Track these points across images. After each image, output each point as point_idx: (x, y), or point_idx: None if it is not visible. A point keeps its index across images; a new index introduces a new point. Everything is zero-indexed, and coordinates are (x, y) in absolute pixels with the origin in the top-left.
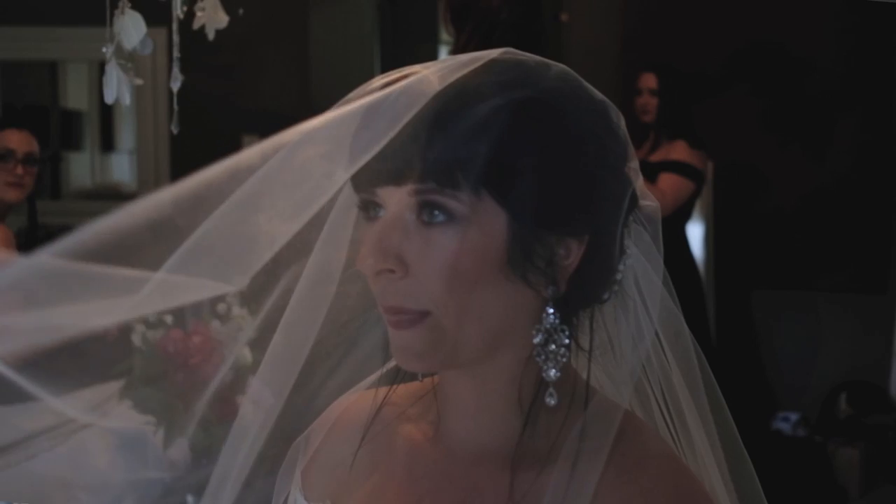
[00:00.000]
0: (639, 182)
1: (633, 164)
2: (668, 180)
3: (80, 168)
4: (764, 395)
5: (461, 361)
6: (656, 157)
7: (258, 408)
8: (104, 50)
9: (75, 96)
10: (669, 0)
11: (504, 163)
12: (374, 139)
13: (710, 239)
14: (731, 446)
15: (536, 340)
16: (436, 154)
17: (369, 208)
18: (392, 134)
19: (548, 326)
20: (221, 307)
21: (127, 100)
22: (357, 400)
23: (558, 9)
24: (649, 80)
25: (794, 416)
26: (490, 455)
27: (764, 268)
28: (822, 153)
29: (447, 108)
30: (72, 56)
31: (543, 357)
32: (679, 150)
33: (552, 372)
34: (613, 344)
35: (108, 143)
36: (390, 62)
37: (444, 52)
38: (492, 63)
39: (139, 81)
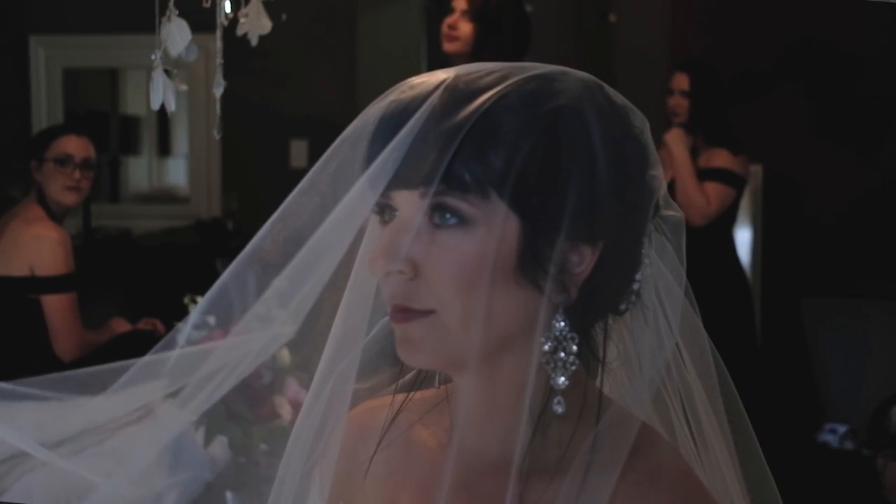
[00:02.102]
0: (662, 190)
1: (657, 172)
2: (712, 189)
3: (138, 172)
4: (811, 406)
5: (465, 362)
6: (698, 163)
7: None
8: (153, 57)
9: (134, 102)
10: None
11: (515, 167)
12: (394, 148)
13: (758, 245)
14: (751, 460)
15: (545, 348)
16: (444, 157)
17: (384, 211)
18: (406, 142)
19: (556, 334)
20: (261, 309)
21: (172, 106)
22: (375, 405)
23: (606, 9)
24: (681, 81)
25: (841, 429)
26: (502, 463)
27: (813, 274)
28: (874, 156)
29: (457, 111)
30: (131, 63)
31: (552, 365)
32: (722, 157)
33: (560, 380)
34: (632, 357)
35: (164, 148)
36: (437, 66)
37: None
38: (509, 70)
39: (184, 87)
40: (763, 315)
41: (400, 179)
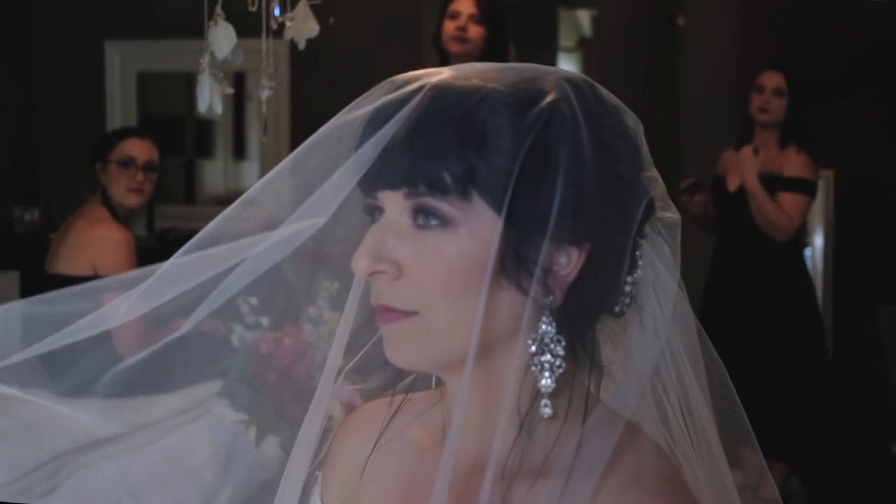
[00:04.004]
0: (658, 191)
1: (651, 173)
2: (792, 202)
3: (214, 175)
4: (886, 416)
5: (450, 363)
6: (764, 169)
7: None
8: (201, 61)
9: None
10: (788, 1)
11: (496, 168)
12: (374, 142)
13: (830, 251)
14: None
15: (532, 350)
16: (425, 158)
17: (374, 212)
18: (383, 142)
19: (542, 336)
20: (313, 311)
21: (219, 108)
22: (375, 406)
23: (675, 13)
24: (775, 79)
25: None
26: (488, 464)
27: (888, 281)
28: None
29: (440, 112)
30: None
31: (539, 367)
32: (796, 163)
33: (545, 382)
34: (628, 360)
35: (240, 151)
36: None
37: (562, 58)
38: (498, 71)
39: (230, 90)
40: (836, 323)
41: (383, 180)
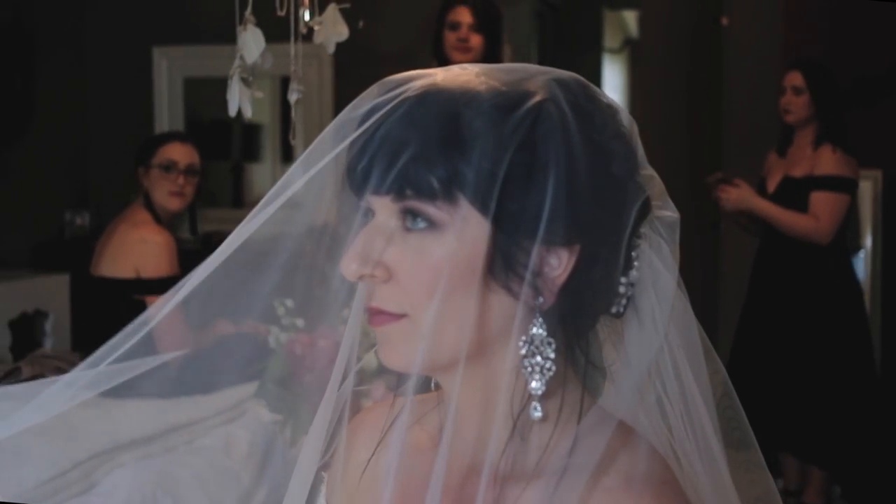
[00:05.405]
0: (656, 190)
1: (648, 171)
2: (824, 200)
3: (262, 178)
4: None
5: (443, 365)
6: (799, 170)
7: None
8: (236, 64)
9: (256, 110)
10: (832, 1)
11: (482, 171)
12: (359, 144)
13: (878, 254)
14: (758, 474)
15: (522, 352)
16: (411, 162)
17: (367, 214)
18: (361, 139)
19: (532, 339)
20: (347, 313)
21: (249, 112)
22: (378, 408)
23: (718, 12)
24: (793, 78)
25: None
26: (482, 467)
27: None
28: None
29: (427, 114)
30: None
31: (530, 369)
32: (828, 162)
33: (534, 385)
34: (626, 360)
35: (287, 155)
36: None
37: (607, 59)
38: (488, 72)
39: (259, 94)
40: (884, 330)
41: (371, 184)
